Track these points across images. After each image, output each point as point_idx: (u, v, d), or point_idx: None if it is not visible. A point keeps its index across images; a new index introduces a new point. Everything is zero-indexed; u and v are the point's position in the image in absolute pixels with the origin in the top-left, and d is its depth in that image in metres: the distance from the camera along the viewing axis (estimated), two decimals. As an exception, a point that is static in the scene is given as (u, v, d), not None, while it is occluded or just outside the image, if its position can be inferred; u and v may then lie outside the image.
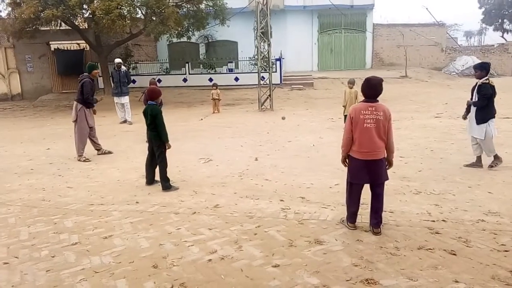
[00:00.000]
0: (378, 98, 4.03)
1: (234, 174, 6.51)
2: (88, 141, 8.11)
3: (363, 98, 4.11)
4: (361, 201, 4.25)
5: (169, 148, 5.87)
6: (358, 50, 26.34)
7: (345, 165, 4.22)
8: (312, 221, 4.46)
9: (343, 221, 4.33)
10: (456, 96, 16.37)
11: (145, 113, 5.84)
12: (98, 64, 20.09)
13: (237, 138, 9.61)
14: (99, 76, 20.55)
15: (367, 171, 4.02)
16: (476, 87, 6.32)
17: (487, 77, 6.23)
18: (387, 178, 4.13)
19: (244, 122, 12.08)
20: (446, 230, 4.10)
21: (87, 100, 7.91)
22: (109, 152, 8.30)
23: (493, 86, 6.23)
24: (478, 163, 6.45)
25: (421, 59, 26.77)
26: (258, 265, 3.51)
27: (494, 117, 6.32)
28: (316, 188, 5.66)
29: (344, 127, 4.10)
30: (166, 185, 5.78)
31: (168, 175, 5.85)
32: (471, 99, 6.44)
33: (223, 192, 5.63)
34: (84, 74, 8.08)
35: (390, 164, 4.14)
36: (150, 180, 6.04)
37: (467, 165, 6.48)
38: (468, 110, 6.55)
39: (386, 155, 4.08)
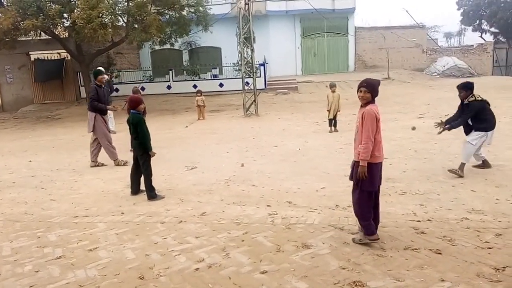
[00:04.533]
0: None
1: (220, 180, 6.48)
2: (90, 147, 8.10)
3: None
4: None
5: (153, 156, 5.82)
6: (341, 53, 26.65)
7: (365, 177, 3.75)
8: (299, 225, 4.46)
9: (360, 240, 3.87)
10: (438, 97, 16.63)
11: (128, 122, 5.80)
12: (79, 73, 19.94)
13: (223, 144, 9.59)
14: (81, 86, 20.34)
15: (379, 174, 3.87)
16: (464, 106, 6.08)
17: (471, 95, 5.99)
18: None
19: (230, 128, 12.07)
20: (431, 230, 4.14)
21: (92, 105, 7.82)
22: (103, 165, 8.08)
23: (482, 100, 5.99)
24: (486, 166, 6.27)
25: (403, 61, 27.20)
26: (246, 272, 3.49)
27: (493, 128, 6.08)
28: (303, 192, 5.67)
29: (364, 132, 3.74)
30: (151, 194, 5.72)
31: (154, 183, 5.80)
32: (457, 115, 6.23)
33: (210, 199, 5.60)
34: (93, 81, 8.16)
35: None
36: (135, 190, 5.97)
37: (474, 166, 6.34)
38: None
39: None
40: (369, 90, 3.79)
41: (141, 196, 5.86)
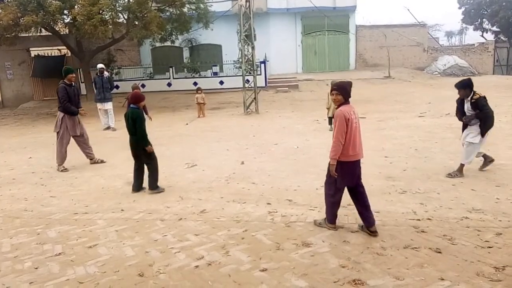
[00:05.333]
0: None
1: (220, 178, 6.47)
2: (80, 149, 7.94)
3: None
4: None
5: (150, 151, 5.81)
6: (342, 51, 26.59)
7: (335, 175, 4.03)
8: (299, 223, 4.46)
9: (320, 224, 4.33)
10: (439, 96, 16.63)
11: (126, 116, 5.83)
12: (80, 70, 19.92)
13: (223, 142, 9.57)
14: (81, 82, 20.32)
15: (355, 171, 4.08)
16: (470, 104, 5.87)
17: (473, 92, 5.84)
18: None
19: (230, 126, 12.06)
20: (431, 229, 4.14)
21: (64, 107, 7.55)
22: (102, 161, 8.00)
23: (484, 96, 5.84)
24: (489, 160, 6.18)
25: (404, 59, 27.17)
26: (245, 269, 3.49)
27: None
28: (303, 190, 5.66)
29: (334, 132, 3.97)
30: (154, 186, 5.81)
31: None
32: (460, 114, 6.08)
33: (210, 197, 5.60)
34: (61, 80, 7.70)
35: None
36: (138, 187, 5.97)
37: (481, 169, 6.21)
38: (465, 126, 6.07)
39: None
40: (340, 93, 4.00)
41: (141, 194, 5.86)
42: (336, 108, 4.06)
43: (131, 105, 5.85)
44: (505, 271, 3.26)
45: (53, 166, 7.83)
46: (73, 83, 7.76)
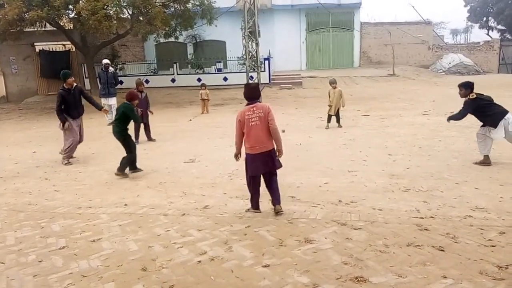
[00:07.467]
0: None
1: (223, 174, 6.48)
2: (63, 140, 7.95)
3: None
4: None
5: (141, 122, 7.41)
6: (346, 48, 26.50)
7: (237, 160, 4.77)
8: (302, 220, 4.46)
9: (249, 210, 4.78)
10: (443, 94, 16.55)
11: (118, 109, 6.94)
12: (84, 65, 19.95)
13: (226, 138, 9.56)
14: (85, 77, 20.36)
15: (256, 163, 4.54)
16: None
17: (471, 94, 6.34)
18: (280, 166, 4.69)
19: (234, 122, 12.02)
20: (434, 227, 4.13)
21: (56, 113, 7.56)
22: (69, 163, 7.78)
23: (477, 98, 6.30)
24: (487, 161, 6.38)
25: (408, 57, 27.03)
26: (248, 265, 3.50)
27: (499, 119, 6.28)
28: (306, 187, 5.66)
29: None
30: (123, 168, 6.53)
31: (157, 175, 6.01)
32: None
33: (213, 192, 5.61)
34: (62, 85, 7.64)
35: (280, 152, 4.63)
36: (132, 168, 6.78)
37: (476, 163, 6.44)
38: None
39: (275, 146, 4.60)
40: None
41: (145, 188, 5.89)
42: None
43: (126, 101, 6.81)
44: (508, 269, 3.25)
45: (57, 160, 7.88)
46: (73, 86, 7.65)
